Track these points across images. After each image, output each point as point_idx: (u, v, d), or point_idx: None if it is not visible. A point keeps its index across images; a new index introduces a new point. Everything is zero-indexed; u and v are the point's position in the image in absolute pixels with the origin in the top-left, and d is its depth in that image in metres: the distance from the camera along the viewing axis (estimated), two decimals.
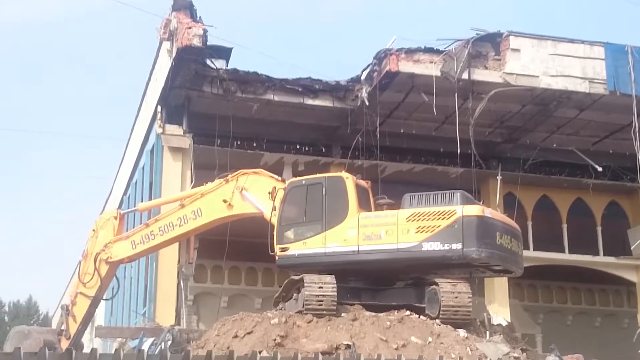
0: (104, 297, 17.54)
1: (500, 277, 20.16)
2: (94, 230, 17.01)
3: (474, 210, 13.75)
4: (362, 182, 15.13)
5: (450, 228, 13.60)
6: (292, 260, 14.74)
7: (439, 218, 13.71)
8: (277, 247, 14.83)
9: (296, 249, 14.62)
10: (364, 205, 14.66)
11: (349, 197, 14.44)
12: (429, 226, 13.72)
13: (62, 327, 16.86)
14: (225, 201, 15.66)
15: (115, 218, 16.98)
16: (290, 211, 14.95)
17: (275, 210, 14.93)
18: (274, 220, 14.96)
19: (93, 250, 16.72)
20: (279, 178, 15.69)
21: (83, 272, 16.80)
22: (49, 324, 66.57)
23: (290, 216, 14.95)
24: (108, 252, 16.58)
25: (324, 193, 14.61)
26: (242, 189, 15.55)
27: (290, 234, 14.85)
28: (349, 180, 14.63)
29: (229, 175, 15.87)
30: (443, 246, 13.59)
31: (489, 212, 14.03)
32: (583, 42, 22.25)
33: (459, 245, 13.52)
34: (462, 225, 13.56)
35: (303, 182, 15.05)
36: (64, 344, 16.61)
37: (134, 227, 21.38)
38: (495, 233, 13.82)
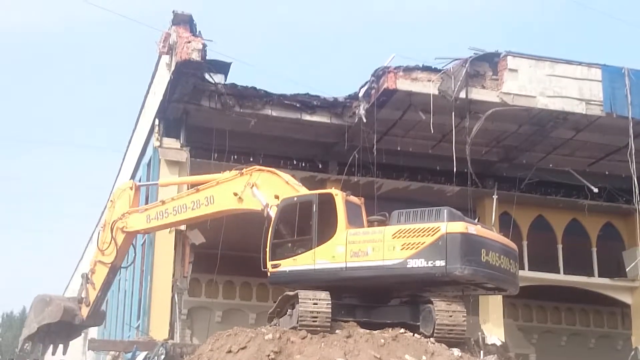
0: (122, 266, 17.99)
1: (494, 295, 20.13)
2: (111, 201, 17.62)
3: (458, 227, 13.66)
4: (355, 199, 15.13)
5: (434, 245, 13.53)
6: (283, 277, 14.74)
7: (424, 235, 13.65)
8: (269, 264, 14.84)
9: (287, 266, 14.62)
10: (356, 222, 14.64)
11: (338, 214, 14.43)
12: (414, 243, 13.66)
13: (82, 295, 17.37)
14: (235, 194, 15.75)
15: (131, 189, 17.53)
16: (282, 227, 14.95)
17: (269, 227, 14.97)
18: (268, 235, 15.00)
19: (110, 219, 17.25)
20: (293, 182, 15.64)
21: (102, 241, 17.40)
22: None
23: (282, 232, 14.95)
24: (124, 222, 17.08)
25: (314, 210, 14.59)
26: (253, 185, 15.61)
27: (281, 250, 14.86)
28: (339, 197, 14.61)
29: (244, 169, 15.96)
30: (427, 263, 13.51)
31: (473, 229, 13.87)
32: (580, 63, 22.34)
33: (443, 263, 13.43)
34: (445, 242, 13.49)
35: (295, 198, 15.04)
36: (84, 311, 17.28)
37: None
38: (481, 250, 13.71)
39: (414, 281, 13.96)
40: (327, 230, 14.43)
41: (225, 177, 16.22)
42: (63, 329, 17.25)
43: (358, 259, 14.00)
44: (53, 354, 18.09)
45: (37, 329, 17.06)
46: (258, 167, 16.06)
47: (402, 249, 13.72)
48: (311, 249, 14.39)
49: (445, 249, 13.46)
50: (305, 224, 14.64)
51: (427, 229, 13.68)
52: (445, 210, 13.97)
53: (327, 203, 14.60)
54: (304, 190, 15.39)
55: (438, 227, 13.63)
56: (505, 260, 14.31)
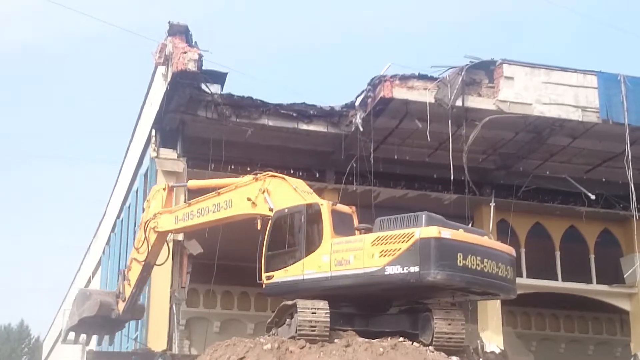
0: (157, 263, 18.32)
1: (489, 300, 20.03)
2: (147, 200, 18.10)
3: (431, 231, 13.54)
4: (344, 208, 15.16)
5: (409, 251, 13.43)
6: (276, 288, 14.79)
7: (400, 241, 13.57)
8: (263, 275, 14.90)
9: (279, 277, 14.66)
10: (345, 231, 14.61)
11: (323, 224, 14.46)
12: (391, 249, 13.58)
13: (120, 290, 18.03)
14: (249, 199, 15.82)
15: (164, 189, 17.86)
16: (275, 239, 14.98)
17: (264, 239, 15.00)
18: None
19: (145, 219, 17.74)
20: (302, 189, 15.62)
21: (137, 240, 17.93)
22: (40, 349, 66.01)
23: (275, 244, 14.98)
24: (156, 222, 17.44)
25: (303, 220, 14.63)
26: (264, 191, 15.66)
27: (274, 261, 14.89)
28: (324, 207, 14.65)
29: (259, 174, 16.01)
30: (403, 269, 13.40)
31: (448, 233, 13.66)
32: (576, 70, 22.40)
33: (417, 268, 13.33)
34: (419, 247, 13.42)
35: (286, 210, 15.06)
36: (121, 306, 17.92)
37: None
38: (457, 254, 13.51)
39: (392, 288, 13.85)
40: (313, 240, 14.48)
41: (242, 182, 16.33)
42: (105, 321, 18.04)
43: (341, 268, 13.98)
44: (99, 344, 19.30)
45: (77, 321, 17.94)
46: (271, 172, 16.07)
47: (380, 256, 13.66)
48: (300, 259, 14.44)
49: (418, 254, 13.41)
50: (295, 235, 14.70)
51: (402, 235, 13.64)
52: (424, 216, 13.88)
53: (314, 213, 14.63)
54: (312, 198, 15.38)
55: (413, 232, 13.58)
56: (492, 264, 14.06)
